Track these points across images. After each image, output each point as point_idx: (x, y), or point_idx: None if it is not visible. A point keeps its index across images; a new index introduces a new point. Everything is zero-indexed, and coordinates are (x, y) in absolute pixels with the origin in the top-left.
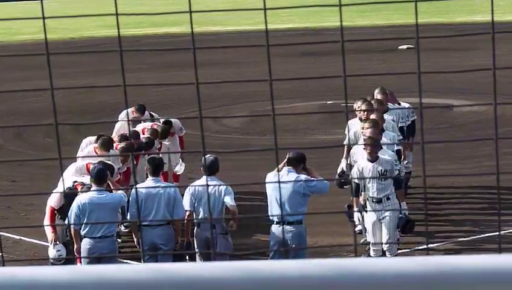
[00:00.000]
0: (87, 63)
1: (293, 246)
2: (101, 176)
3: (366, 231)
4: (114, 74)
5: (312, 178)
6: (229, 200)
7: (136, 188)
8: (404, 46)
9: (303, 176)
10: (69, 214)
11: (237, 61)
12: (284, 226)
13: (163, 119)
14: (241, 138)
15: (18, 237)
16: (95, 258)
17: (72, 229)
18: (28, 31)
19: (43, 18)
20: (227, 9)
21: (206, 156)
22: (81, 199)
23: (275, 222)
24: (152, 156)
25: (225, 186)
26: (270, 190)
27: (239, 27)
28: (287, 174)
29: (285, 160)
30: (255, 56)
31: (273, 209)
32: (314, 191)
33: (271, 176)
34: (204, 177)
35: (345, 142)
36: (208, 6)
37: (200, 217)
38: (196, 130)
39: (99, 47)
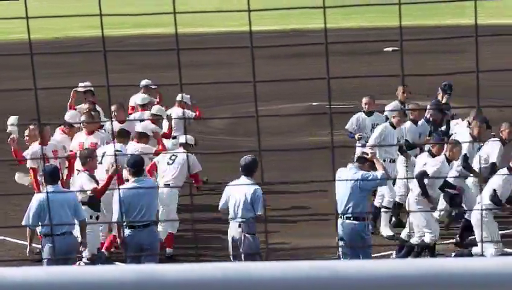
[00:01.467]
0: (72, 63)
1: (352, 239)
2: (54, 175)
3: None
4: (100, 75)
5: (368, 173)
6: (257, 207)
7: (119, 189)
8: (390, 49)
9: (360, 174)
10: (28, 213)
11: (222, 62)
12: (345, 220)
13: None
14: (227, 139)
15: (2, 237)
16: (62, 256)
17: (28, 230)
18: (15, 30)
19: (27, 18)
20: (211, 10)
21: (244, 157)
22: (40, 197)
23: (340, 217)
24: (133, 156)
25: (256, 190)
26: (336, 187)
27: (225, 28)
28: (349, 171)
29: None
30: (240, 57)
31: (338, 204)
32: (369, 188)
33: (339, 172)
34: (242, 177)
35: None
36: (193, 7)
37: (230, 216)
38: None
39: (85, 47)
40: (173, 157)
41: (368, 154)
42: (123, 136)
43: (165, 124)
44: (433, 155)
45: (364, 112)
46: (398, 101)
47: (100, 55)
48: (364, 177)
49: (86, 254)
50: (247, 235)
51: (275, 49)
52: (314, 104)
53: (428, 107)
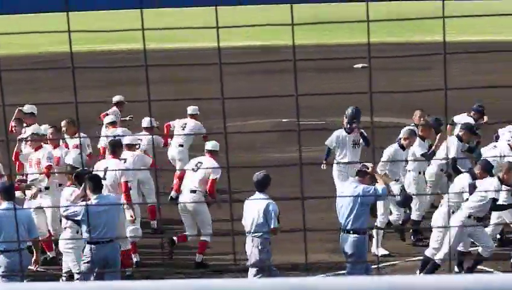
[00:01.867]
0: (43, 79)
1: (351, 253)
2: (9, 192)
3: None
4: (71, 91)
5: (369, 187)
6: (271, 222)
7: (87, 205)
8: (360, 65)
9: (361, 187)
10: None
11: (194, 78)
12: (344, 234)
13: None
14: (196, 155)
15: None
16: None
17: None
18: None
19: None
20: (180, 27)
21: (256, 173)
22: None
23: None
24: (94, 173)
25: (269, 204)
26: (336, 200)
27: (197, 44)
28: (349, 185)
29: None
30: (212, 73)
31: (339, 218)
32: (369, 202)
33: (341, 186)
34: (256, 193)
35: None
36: (167, 23)
37: (246, 231)
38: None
39: (56, 63)
40: (198, 165)
41: (368, 168)
42: (118, 148)
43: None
44: (473, 177)
45: (345, 129)
46: (413, 125)
47: (76, 71)
48: (365, 191)
49: (74, 269)
50: (258, 249)
51: (247, 65)
52: (284, 120)
53: (460, 127)
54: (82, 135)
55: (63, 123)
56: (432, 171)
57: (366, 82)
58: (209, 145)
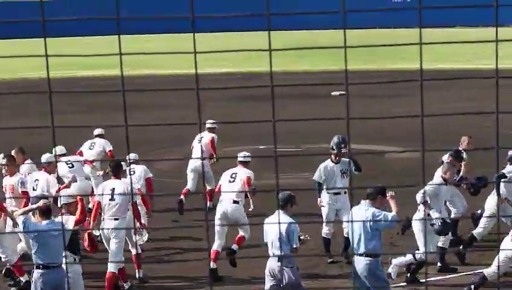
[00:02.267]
0: (21, 104)
1: (365, 276)
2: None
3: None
4: (56, 116)
5: (380, 212)
6: (293, 240)
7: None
8: (337, 93)
9: (371, 211)
10: None
11: (172, 104)
12: (358, 257)
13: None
14: (172, 181)
15: None
16: None
17: None
18: None
19: None
20: (158, 52)
21: (282, 192)
22: None
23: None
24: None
25: (291, 224)
26: (349, 224)
27: (174, 70)
28: (360, 208)
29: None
30: (188, 99)
31: (351, 242)
32: (379, 228)
33: (352, 210)
34: (277, 211)
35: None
36: (143, 48)
37: (269, 250)
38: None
39: (37, 88)
40: (234, 175)
41: (387, 194)
42: (120, 169)
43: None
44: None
45: (331, 160)
46: (462, 150)
47: (53, 96)
48: (376, 216)
49: None
50: (286, 268)
51: (227, 92)
52: (261, 147)
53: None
54: (29, 162)
55: (13, 152)
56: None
57: (343, 109)
58: (241, 155)
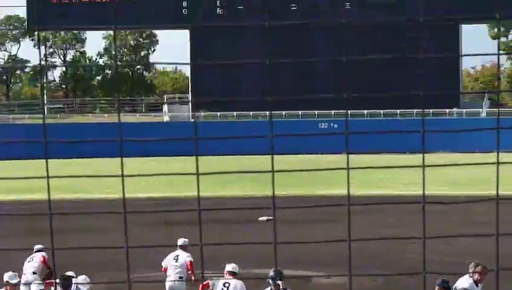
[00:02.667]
0: None
1: None
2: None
3: None
4: None
5: None
6: None
7: None
8: (264, 218)
9: None
10: None
11: (105, 228)
12: None
13: None
14: None
15: None
16: None
17: None
18: None
19: None
20: (85, 175)
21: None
22: None
23: None
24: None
25: None
26: None
27: (102, 195)
28: None
29: None
30: (118, 224)
31: None
32: None
33: None
34: None
35: None
36: (72, 171)
37: None
38: None
39: None
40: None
41: None
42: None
43: None
44: None
45: None
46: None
47: None
48: None
49: None
50: None
51: (152, 216)
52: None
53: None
54: None
55: None
56: None
57: (270, 234)
58: (229, 267)
